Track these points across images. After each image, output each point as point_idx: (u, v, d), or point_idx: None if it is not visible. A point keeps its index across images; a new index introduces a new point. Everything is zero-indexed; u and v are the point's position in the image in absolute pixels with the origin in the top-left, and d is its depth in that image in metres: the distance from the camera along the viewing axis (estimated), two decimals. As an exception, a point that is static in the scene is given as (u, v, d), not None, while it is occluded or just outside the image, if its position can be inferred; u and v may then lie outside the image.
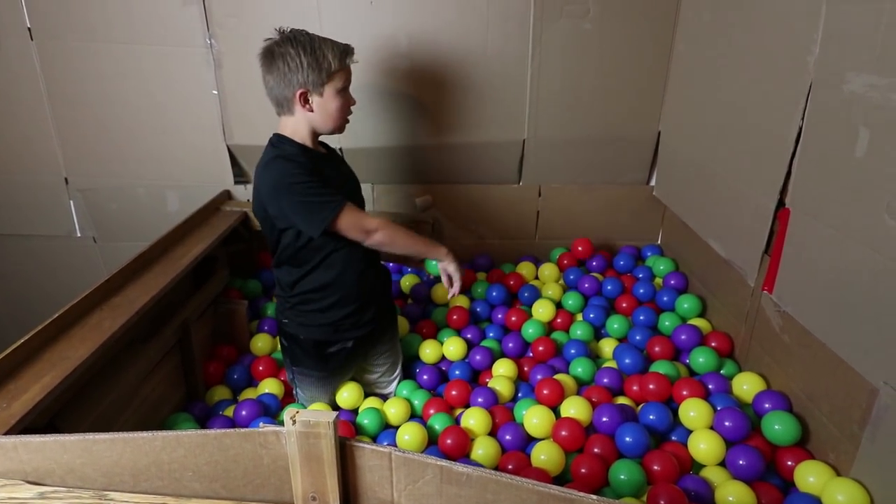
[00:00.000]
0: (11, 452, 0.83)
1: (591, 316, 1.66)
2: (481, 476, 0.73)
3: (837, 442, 1.08)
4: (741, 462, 1.12)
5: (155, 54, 1.71)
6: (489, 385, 1.44)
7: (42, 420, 1.03)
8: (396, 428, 1.35)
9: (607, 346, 1.58)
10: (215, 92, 1.74)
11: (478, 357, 1.54)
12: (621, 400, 1.36)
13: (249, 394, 1.53)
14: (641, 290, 1.72)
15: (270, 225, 1.28)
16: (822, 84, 1.08)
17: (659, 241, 1.95)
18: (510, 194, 1.90)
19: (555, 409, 1.33)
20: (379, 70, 1.70)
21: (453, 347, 1.57)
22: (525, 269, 1.89)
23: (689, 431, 1.23)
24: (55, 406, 1.06)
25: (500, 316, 1.71)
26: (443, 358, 1.60)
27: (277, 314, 1.41)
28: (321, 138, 1.37)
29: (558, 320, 1.67)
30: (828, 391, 1.11)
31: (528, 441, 1.29)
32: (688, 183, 1.66)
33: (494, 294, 1.77)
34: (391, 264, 1.85)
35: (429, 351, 1.58)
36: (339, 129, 1.31)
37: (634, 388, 1.37)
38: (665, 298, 1.68)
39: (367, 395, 1.50)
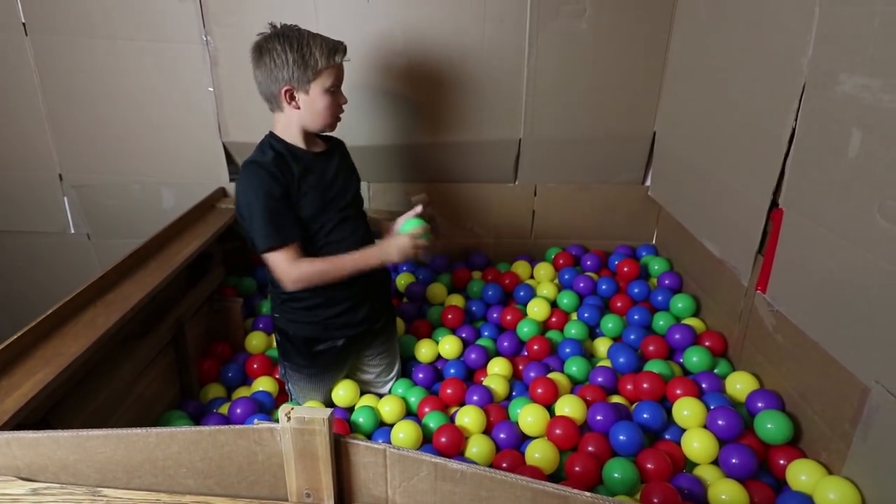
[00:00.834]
0: (4, 448, 0.83)
1: (586, 315, 1.66)
2: (476, 473, 0.74)
3: (829, 441, 1.09)
4: (734, 461, 1.13)
5: (151, 51, 1.70)
6: (484, 383, 1.44)
7: (35, 417, 1.02)
8: (391, 426, 1.35)
9: (602, 346, 1.59)
10: (211, 89, 1.74)
11: (473, 356, 1.54)
12: (615, 399, 1.37)
13: (244, 392, 1.52)
14: (636, 290, 1.73)
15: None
16: (815, 85, 1.09)
17: (654, 241, 1.96)
18: (506, 193, 1.91)
19: (549, 408, 1.33)
20: (375, 68, 1.70)
21: (449, 346, 1.57)
22: (520, 268, 1.89)
23: (683, 430, 1.24)
24: (48, 403, 1.05)
25: (495, 315, 1.72)
26: (438, 357, 1.60)
27: (271, 309, 1.41)
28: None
29: (553, 319, 1.68)
30: (820, 390, 1.12)
31: (523, 439, 1.29)
32: (682, 183, 1.66)
33: (490, 293, 1.77)
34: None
35: (424, 350, 1.58)
36: (329, 127, 1.30)
37: (629, 387, 1.38)
38: (659, 298, 1.68)
39: (362, 393, 1.51)
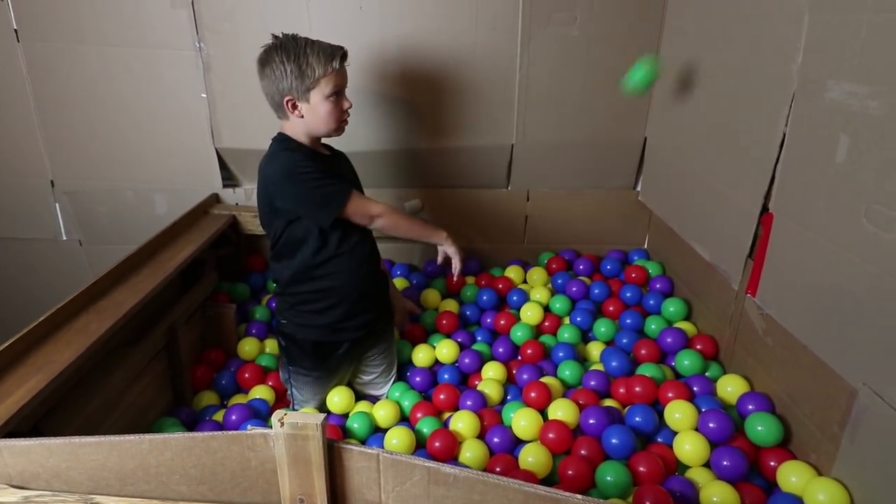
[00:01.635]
0: (-4, 456, 0.82)
1: (579, 319, 1.67)
2: (468, 477, 0.74)
3: (819, 442, 1.10)
4: (725, 463, 1.13)
5: (143, 57, 1.70)
6: (478, 388, 1.45)
7: (27, 424, 1.02)
8: (385, 431, 1.35)
9: (595, 350, 1.59)
10: (204, 95, 1.74)
11: (467, 360, 1.55)
12: (608, 402, 1.37)
13: (238, 399, 1.52)
14: (628, 294, 1.74)
15: (273, 219, 1.30)
16: (804, 91, 1.10)
17: (645, 246, 1.97)
18: (499, 199, 1.91)
19: (542, 412, 1.34)
20: (369, 75, 1.71)
21: (446, 350, 1.58)
22: (513, 272, 1.90)
23: (675, 433, 1.24)
24: (40, 410, 1.05)
25: (489, 320, 1.72)
26: (436, 361, 1.60)
27: (276, 313, 1.42)
28: (324, 140, 1.38)
29: (546, 324, 1.68)
30: (809, 392, 1.13)
31: (517, 444, 1.29)
32: (673, 188, 1.68)
33: (485, 298, 1.78)
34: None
35: (422, 355, 1.59)
36: (335, 131, 1.32)
37: (621, 390, 1.38)
38: (651, 302, 1.70)
39: (358, 397, 1.51)
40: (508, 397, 1.45)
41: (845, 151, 1.00)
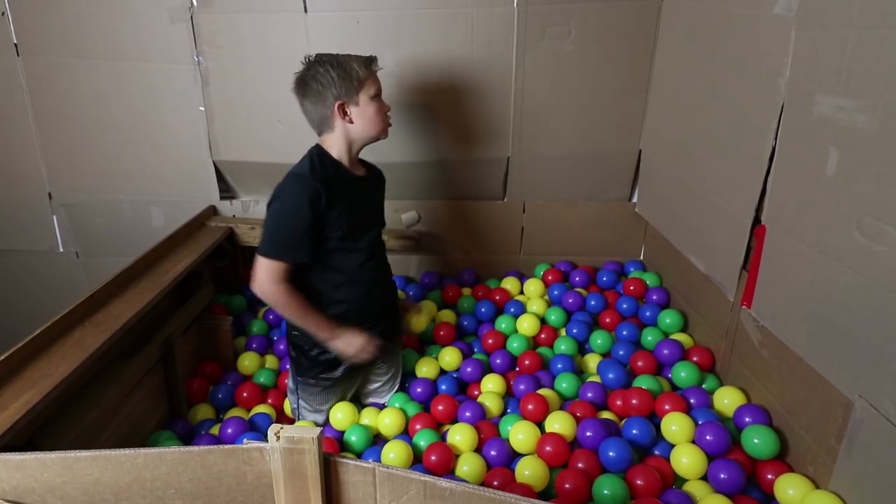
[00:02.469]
0: (-10, 471, 0.82)
1: (575, 331, 1.67)
2: (465, 491, 0.74)
3: (816, 455, 1.10)
4: (722, 476, 1.13)
5: (142, 71, 1.71)
6: (478, 400, 1.44)
7: (21, 438, 1.01)
8: (386, 441, 1.34)
9: (592, 362, 1.60)
10: (202, 108, 1.75)
11: (469, 369, 1.55)
12: (605, 414, 1.37)
13: (234, 413, 1.52)
14: (624, 306, 1.75)
15: None
16: (793, 105, 1.12)
17: (641, 257, 1.98)
18: (495, 210, 1.92)
19: (540, 425, 1.34)
20: (365, 88, 1.72)
21: (449, 357, 1.59)
22: (510, 284, 1.90)
23: (672, 445, 1.24)
24: (35, 424, 1.04)
25: (485, 332, 1.72)
26: (437, 372, 1.60)
27: (288, 327, 1.41)
28: (363, 155, 1.39)
29: (542, 336, 1.68)
30: (805, 405, 1.13)
31: (514, 456, 1.29)
32: (668, 200, 1.69)
33: (483, 310, 1.78)
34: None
35: (426, 368, 1.60)
36: (383, 133, 1.33)
37: (618, 402, 1.38)
38: (647, 314, 1.70)
39: (362, 406, 1.51)
40: (508, 410, 1.44)
41: (835, 164, 1.01)
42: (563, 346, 1.62)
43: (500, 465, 1.26)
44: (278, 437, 0.76)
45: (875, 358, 0.94)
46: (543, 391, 1.42)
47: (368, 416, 1.44)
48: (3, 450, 0.88)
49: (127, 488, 0.82)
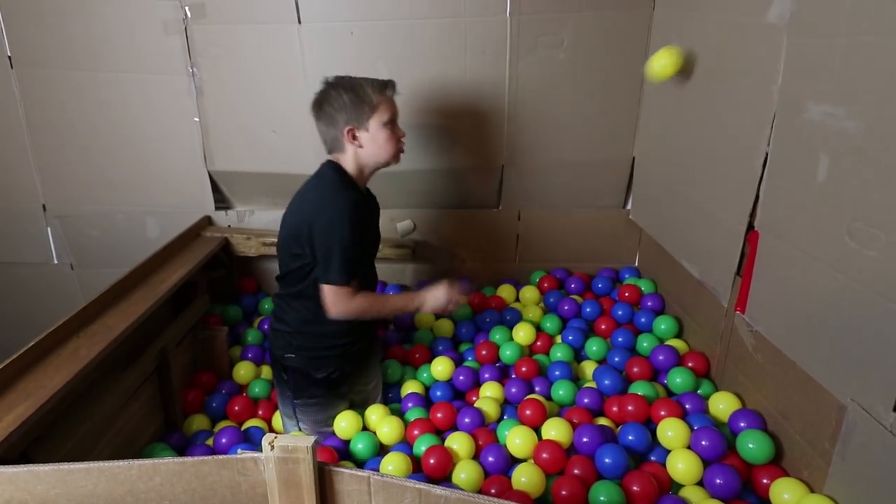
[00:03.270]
0: (-17, 484, 0.81)
1: (570, 338, 1.67)
2: (460, 498, 0.74)
3: (810, 459, 1.10)
4: (718, 481, 1.13)
5: (137, 82, 1.72)
6: (476, 406, 1.44)
7: (15, 451, 1.01)
8: (386, 451, 1.33)
9: (588, 368, 1.60)
10: (197, 119, 1.76)
11: (461, 378, 1.55)
12: (602, 421, 1.37)
13: (227, 423, 1.51)
14: (620, 312, 1.75)
15: (298, 254, 1.29)
16: (784, 112, 1.13)
17: (636, 264, 1.98)
18: (490, 218, 1.93)
19: (537, 430, 1.34)
20: (360, 98, 1.73)
21: (441, 367, 1.59)
22: (506, 291, 1.91)
23: (668, 451, 1.24)
24: (29, 436, 1.04)
25: (481, 342, 1.71)
26: (432, 381, 1.60)
27: (277, 349, 1.38)
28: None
29: (538, 343, 1.68)
30: (799, 409, 1.13)
31: (511, 463, 1.29)
32: (662, 206, 1.70)
33: (488, 320, 1.77)
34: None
35: (425, 375, 1.60)
36: (394, 158, 1.35)
37: (614, 408, 1.39)
38: (643, 320, 1.70)
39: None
40: (506, 416, 1.44)
41: (826, 170, 1.02)
42: (560, 353, 1.62)
43: (498, 471, 1.26)
44: (272, 447, 0.76)
45: (867, 362, 0.95)
46: (538, 397, 1.42)
47: (374, 423, 1.43)
48: (-4, 463, 0.88)
49: (121, 500, 0.81)
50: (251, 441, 1.42)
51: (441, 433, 1.40)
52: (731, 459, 1.20)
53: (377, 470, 1.27)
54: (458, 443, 1.30)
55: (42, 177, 1.82)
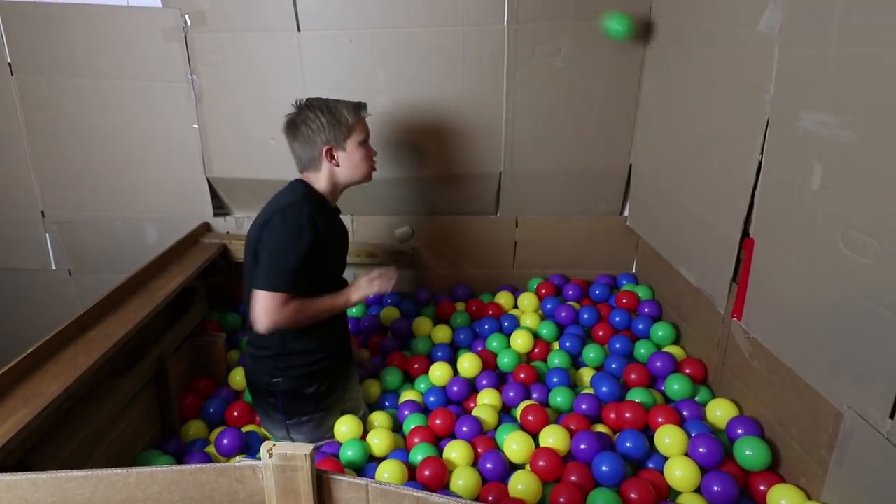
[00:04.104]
0: (-20, 492, 0.81)
1: (568, 345, 1.68)
2: (457, 506, 0.74)
3: (807, 465, 1.11)
4: (716, 488, 1.14)
5: (136, 89, 1.73)
6: (473, 413, 1.44)
7: (12, 458, 1.00)
8: (380, 461, 1.33)
9: (586, 375, 1.60)
10: (196, 126, 1.76)
11: (455, 388, 1.54)
12: (599, 427, 1.37)
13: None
14: (617, 319, 1.75)
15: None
16: (777, 121, 1.14)
17: (633, 270, 1.99)
18: (488, 225, 1.94)
19: (535, 437, 1.34)
20: (358, 105, 1.74)
21: (440, 373, 1.59)
22: (503, 298, 1.91)
23: (665, 458, 1.25)
24: (26, 444, 1.04)
25: (479, 349, 1.72)
26: (430, 386, 1.60)
27: (259, 376, 1.37)
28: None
29: (536, 350, 1.68)
30: (796, 416, 1.14)
31: (509, 469, 1.28)
32: (659, 213, 1.71)
33: (487, 327, 1.78)
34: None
35: (424, 385, 1.59)
36: (367, 177, 1.40)
37: (612, 415, 1.39)
38: (640, 326, 1.71)
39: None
40: (502, 422, 1.44)
41: (819, 178, 1.02)
42: (557, 359, 1.62)
43: (496, 478, 1.26)
44: (271, 455, 0.76)
45: (863, 369, 0.95)
46: (538, 404, 1.42)
47: (373, 432, 1.42)
48: (-7, 470, 0.88)
49: (119, 508, 0.81)
50: (249, 446, 1.41)
51: (440, 440, 1.40)
52: (728, 466, 1.20)
53: (373, 477, 1.27)
54: (457, 450, 1.30)
55: (41, 183, 1.82)
